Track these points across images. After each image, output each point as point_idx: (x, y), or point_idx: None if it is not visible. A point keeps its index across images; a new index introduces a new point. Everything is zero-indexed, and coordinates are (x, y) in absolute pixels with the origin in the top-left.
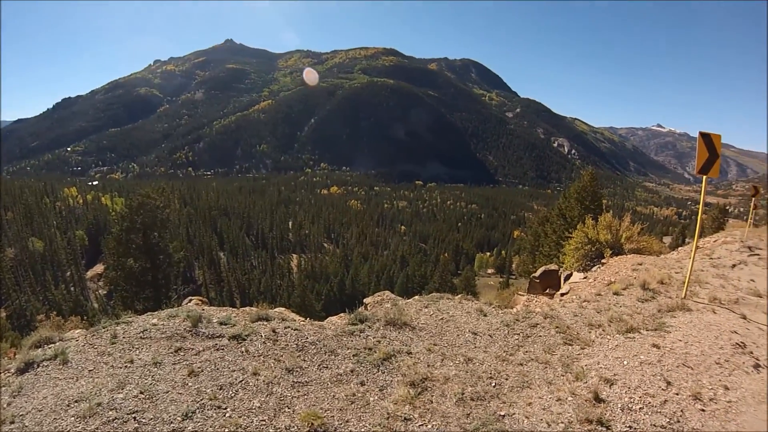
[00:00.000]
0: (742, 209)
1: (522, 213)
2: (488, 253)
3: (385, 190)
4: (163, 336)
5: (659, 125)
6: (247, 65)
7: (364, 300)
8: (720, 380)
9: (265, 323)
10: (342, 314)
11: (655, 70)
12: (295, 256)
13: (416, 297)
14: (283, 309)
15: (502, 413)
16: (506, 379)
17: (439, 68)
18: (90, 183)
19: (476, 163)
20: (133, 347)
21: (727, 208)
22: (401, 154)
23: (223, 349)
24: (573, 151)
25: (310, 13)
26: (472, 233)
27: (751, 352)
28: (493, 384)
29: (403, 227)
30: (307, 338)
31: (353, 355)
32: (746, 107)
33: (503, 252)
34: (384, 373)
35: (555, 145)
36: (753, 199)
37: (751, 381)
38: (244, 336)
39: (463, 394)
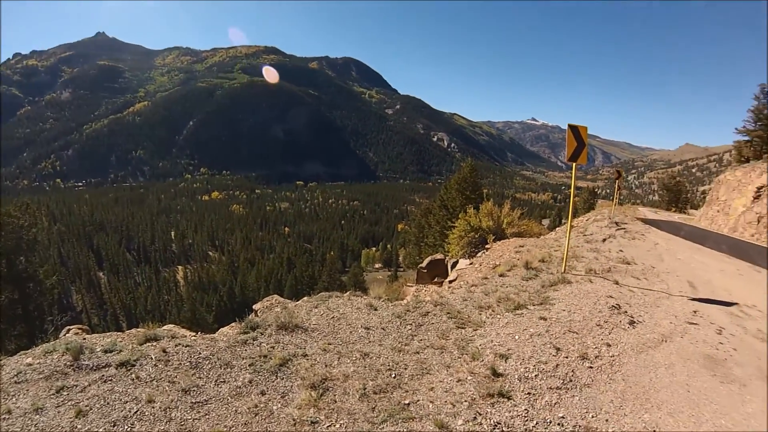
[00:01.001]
0: (608, 191)
1: (405, 206)
2: (374, 248)
3: (267, 193)
4: (41, 376)
5: (534, 119)
6: (121, 62)
7: (254, 306)
8: (602, 339)
9: (155, 344)
10: (233, 323)
11: (530, 68)
12: (180, 267)
13: (305, 298)
14: (173, 326)
15: (407, 402)
16: (405, 369)
17: (320, 67)
18: None
19: (357, 161)
20: (8, 395)
21: (596, 190)
22: (281, 154)
23: (111, 379)
24: (452, 145)
25: (188, 8)
26: (356, 230)
27: (626, 312)
28: (393, 375)
29: (287, 229)
30: (200, 354)
31: (249, 365)
32: (610, 103)
33: (389, 246)
34: (283, 379)
35: (435, 139)
36: (617, 181)
37: (629, 336)
38: (132, 361)
39: (365, 389)
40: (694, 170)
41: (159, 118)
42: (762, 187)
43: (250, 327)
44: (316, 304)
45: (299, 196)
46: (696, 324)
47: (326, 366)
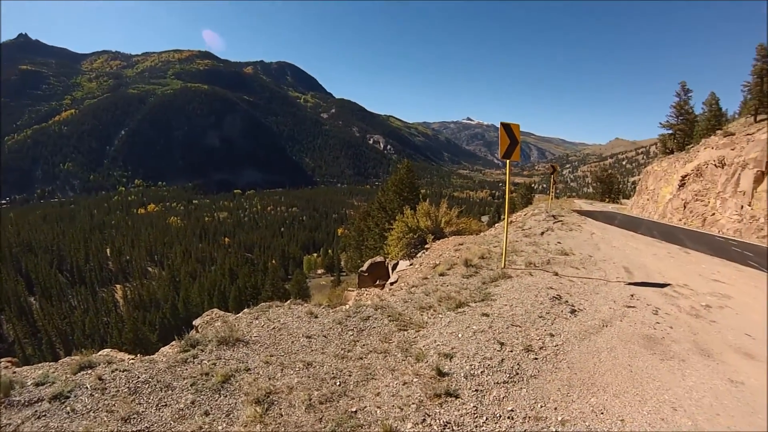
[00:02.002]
0: (544, 185)
1: (343, 210)
2: (315, 254)
3: (205, 203)
4: None
5: (469, 118)
6: (45, 67)
7: (194, 322)
8: (545, 330)
9: (90, 372)
10: (174, 342)
11: (464, 68)
12: (119, 286)
13: (246, 310)
14: (110, 350)
15: (354, 409)
16: (350, 376)
17: (254, 72)
18: None
19: (293, 166)
20: None
21: (533, 185)
22: (217, 163)
23: (45, 415)
24: (389, 147)
25: (117, 9)
26: (296, 236)
27: (567, 301)
28: (338, 383)
29: (227, 239)
30: (139, 378)
31: (191, 385)
32: (544, 101)
33: (330, 251)
34: (226, 396)
35: (371, 142)
36: (552, 176)
37: (571, 324)
38: (66, 393)
39: (310, 399)
40: (624, 163)
41: (88, 128)
42: (686, 175)
43: (190, 344)
44: (257, 316)
45: (238, 204)
46: (634, 307)
47: (270, 379)
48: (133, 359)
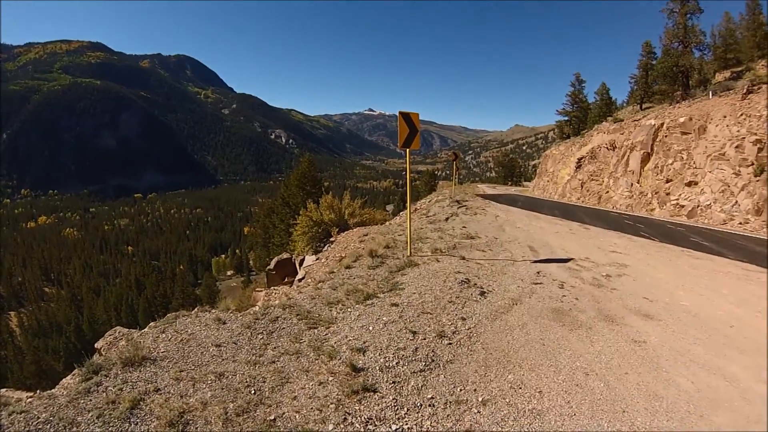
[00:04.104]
0: (447, 172)
1: (248, 208)
2: (224, 255)
3: (103, 210)
4: None
5: (371, 109)
6: None
7: (96, 345)
8: (456, 315)
9: None
10: (75, 371)
11: (365, 60)
12: (13, 313)
13: (152, 323)
14: (5, 390)
15: (272, 417)
16: (264, 382)
17: (152, 66)
18: None
19: (195, 166)
20: None
21: (436, 173)
22: (114, 166)
23: None
24: (291, 141)
25: None
26: (203, 238)
27: (475, 284)
28: (253, 391)
29: (130, 248)
30: (38, 418)
31: (97, 417)
32: (445, 90)
33: (238, 251)
34: (137, 423)
35: (273, 137)
36: (454, 163)
37: (481, 306)
38: None
39: (226, 413)
40: (524, 148)
41: None
42: (582, 158)
43: (93, 371)
44: (163, 329)
45: (139, 209)
46: (541, 283)
47: (182, 397)
48: (31, 397)
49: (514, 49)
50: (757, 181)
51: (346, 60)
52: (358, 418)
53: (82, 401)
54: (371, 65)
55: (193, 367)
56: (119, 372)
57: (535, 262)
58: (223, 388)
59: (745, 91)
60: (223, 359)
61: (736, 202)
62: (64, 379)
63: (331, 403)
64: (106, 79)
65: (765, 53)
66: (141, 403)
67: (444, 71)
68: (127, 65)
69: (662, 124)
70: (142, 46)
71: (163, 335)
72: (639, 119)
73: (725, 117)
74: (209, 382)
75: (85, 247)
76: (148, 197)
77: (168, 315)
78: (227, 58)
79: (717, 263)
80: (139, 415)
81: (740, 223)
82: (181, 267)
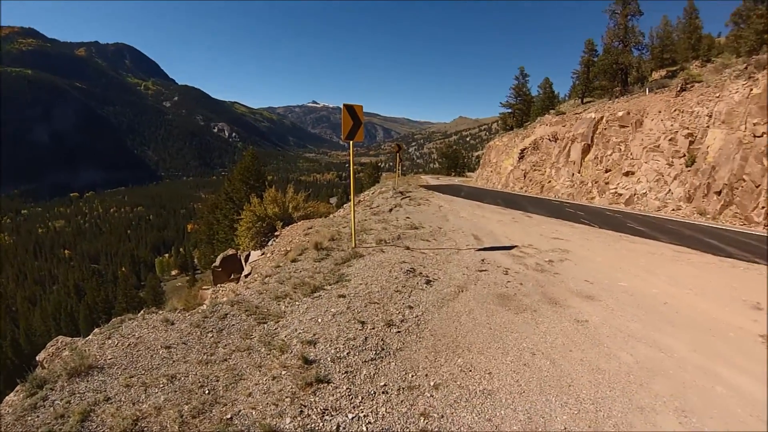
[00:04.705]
0: (391, 164)
1: (191, 205)
2: (167, 255)
3: (36, 212)
4: None
5: (314, 101)
6: None
7: (37, 358)
8: (404, 303)
9: None
10: (18, 387)
11: (308, 52)
12: None
13: (96, 330)
14: None
15: (229, 415)
16: (218, 381)
17: (88, 54)
18: None
19: (136, 161)
20: None
21: (380, 164)
22: (48, 163)
23: None
24: (234, 134)
25: None
26: (145, 238)
27: (421, 273)
28: (207, 391)
29: (67, 251)
30: None
31: None
32: (389, 82)
33: (182, 249)
34: None
35: (215, 130)
36: (398, 154)
37: (428, 294)
38: None
39: (182, 416)
40: (468, 139)
41: None
42: (525, 149)
43: (37, 385)
44: (109, 334)
45: (76, 210)
46: (486, 270)
47: (134, 404)
48: None
49: (459, 42)
50: (689, 171)
51: (290, 52)
52: (314, 409)
53: (30, 418)
54: (315, 57)
55: (143, 372)
56: (65, 384)
57: (480, 250)
58: (176, 391)
59: (679, 88)
60: (174, 361)
61: (670, 190)
62: (7, 397)
63: (287, 397)
64: (39, 68)
65: (699, 54)
66: (92, 414)
67: (388, 63)
68: (61, 53)
69: (602, 118)
70: (78, 33)
71: (110, 341)
72: (580, 113)
73: (660, 112)
74: (161, 385)
75: (18, 252)
76: (86, 196)
77: (113, 320)
78: (169, 47)
79: (652, 246)
80: (90, 428)
81: (673, 210)
82: (123, 269)
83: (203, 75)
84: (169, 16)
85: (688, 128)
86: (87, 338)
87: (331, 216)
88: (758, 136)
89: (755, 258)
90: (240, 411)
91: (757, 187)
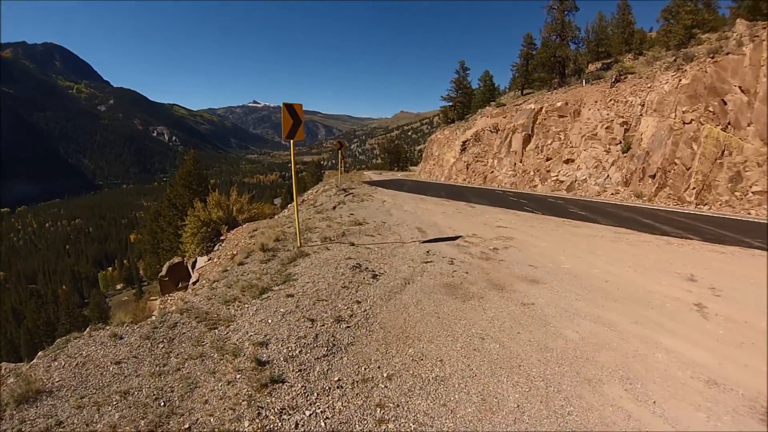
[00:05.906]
0: (333, 161)
1: (133, 214)
2: (110, 268)
3: None
4: None
5: (255, 101)
6: None
7: None
8: (351, 299)
9: None
10: None
11: (247, 52)
12: None
13: (40, 353)
14: None
15: (187, 425)
16: (173, 391)
17: (15, 56)
18: None
19: (71, 171)
20: None
21: (322, 162)
22: None
23: None
24: (174, 138)
25: None
26: (85, 252)
27: (367, 268)
28: (163, 403)
29: (1, 273)
30: None
31: None
32: (329, 80)
33: (126, 261)
34: None
35: (155, 134)
36: (339, 152)
37: (375, 288)
38: None
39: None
40: (410, 133)
41: None
42: (466, 141)
43: None
44: (55, 356)
45: (8, 226)
46: (431, 261)
47: (88, 425)
48: None
49: (398, 37)
50: (625, 157)
51: (229, 51)
52: (272, 410)
53: None
54: (254, 56)
55: (94, 391)
56: (14, 412)
57: (425, 242)
58: (130, 407)
59: (613, 80)
60: (125, 376)
61: (608, 175)
62: None
63: (243, 401)
64: None
65: (632, 48)
66: None
67: (328, 61)
68: None
69: (541, 108)
70: (4, 32)
71: (56, 363)
72: (520, 104)
73: (597, 102)
74: (115, 402)
75: None
76: (18, 211)
77: (57, 341)
78: (102, 47)
79: (593, 229)
80: None
81: (612, 194)
82: (64, 287)
83: (140, 77)
84: (101, 13)
85: (623, 117)
86: (32, 362)
87: (276, 217)
88: (687, 123)
89: (688, 234)
90: (198, 419)
91: (687, 169)
